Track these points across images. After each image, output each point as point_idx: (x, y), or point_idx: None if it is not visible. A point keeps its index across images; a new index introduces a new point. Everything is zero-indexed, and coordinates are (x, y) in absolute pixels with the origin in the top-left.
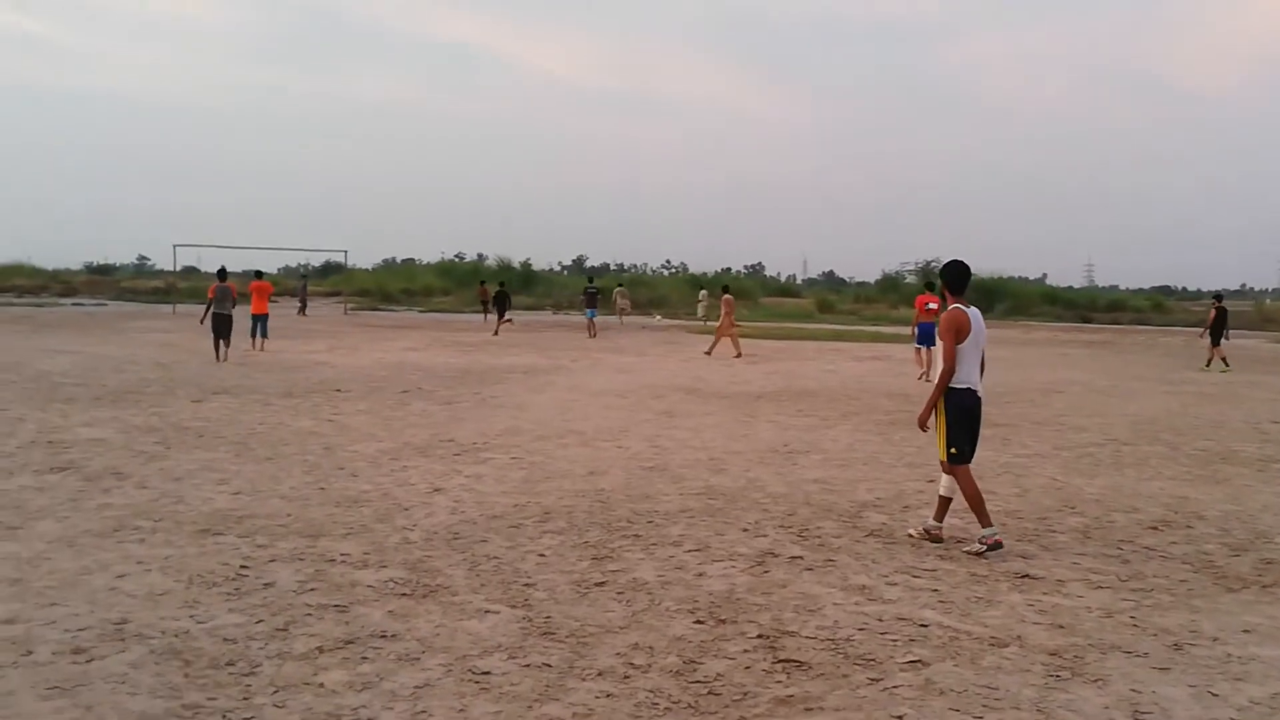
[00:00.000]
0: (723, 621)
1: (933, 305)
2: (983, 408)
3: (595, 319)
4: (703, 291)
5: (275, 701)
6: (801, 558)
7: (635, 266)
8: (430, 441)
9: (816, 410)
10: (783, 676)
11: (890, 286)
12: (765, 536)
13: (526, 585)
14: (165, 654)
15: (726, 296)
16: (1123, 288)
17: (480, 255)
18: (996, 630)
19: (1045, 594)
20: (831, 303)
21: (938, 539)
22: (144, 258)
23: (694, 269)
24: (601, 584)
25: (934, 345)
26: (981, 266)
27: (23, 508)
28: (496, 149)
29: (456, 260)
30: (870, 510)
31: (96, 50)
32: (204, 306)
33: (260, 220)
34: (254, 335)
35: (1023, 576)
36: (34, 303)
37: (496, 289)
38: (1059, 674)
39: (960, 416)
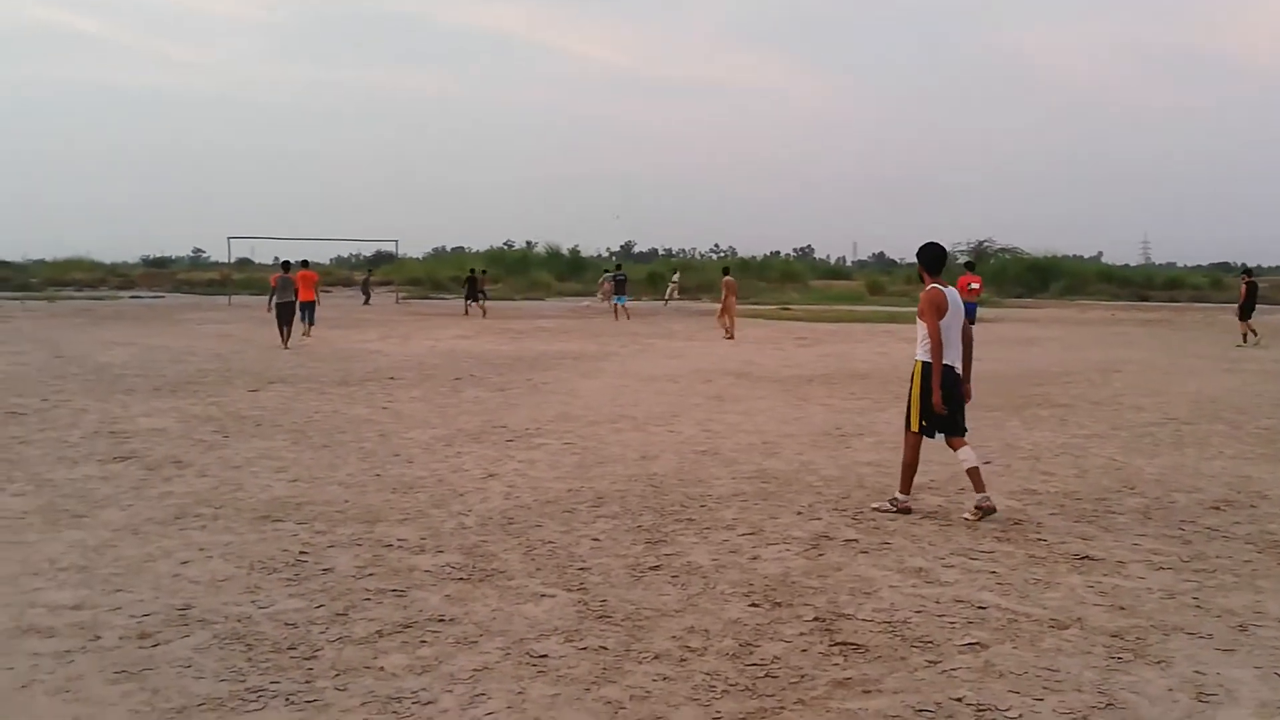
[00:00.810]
0: (778, 604)
1: (975, 285)
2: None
3: (624, 304)
4: (676, 274)
5: (337, 685)
6: (856, 541)
7: (684, 251)
8: (483, 428)
9: (869, 393)
10: (840, 659)
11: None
12: (819, 520)
13: (581, 569)
14: (228, 638)
15: (727, 279)
16: (1180, 264)
17: (529, 243)
18: (1056, 612)
19: (1105, 575)
20: (882, 284)
21: (991, 510)
22: (199, 250)
23: (743, 253)
24: (656, 568)
25: (974, 323)
26: (1036, 245)
27: (88, 496)
28: (543, 137)
29: (505, 248)
30: (925, 493)
31: (149, 48)
32: (268, 296)
33: (312, 211)
34: (303, 322)
35: (1082, 558)
36: (93, 296)
37: (468, 274)
38: (1121, 656)
39: (943, 392)
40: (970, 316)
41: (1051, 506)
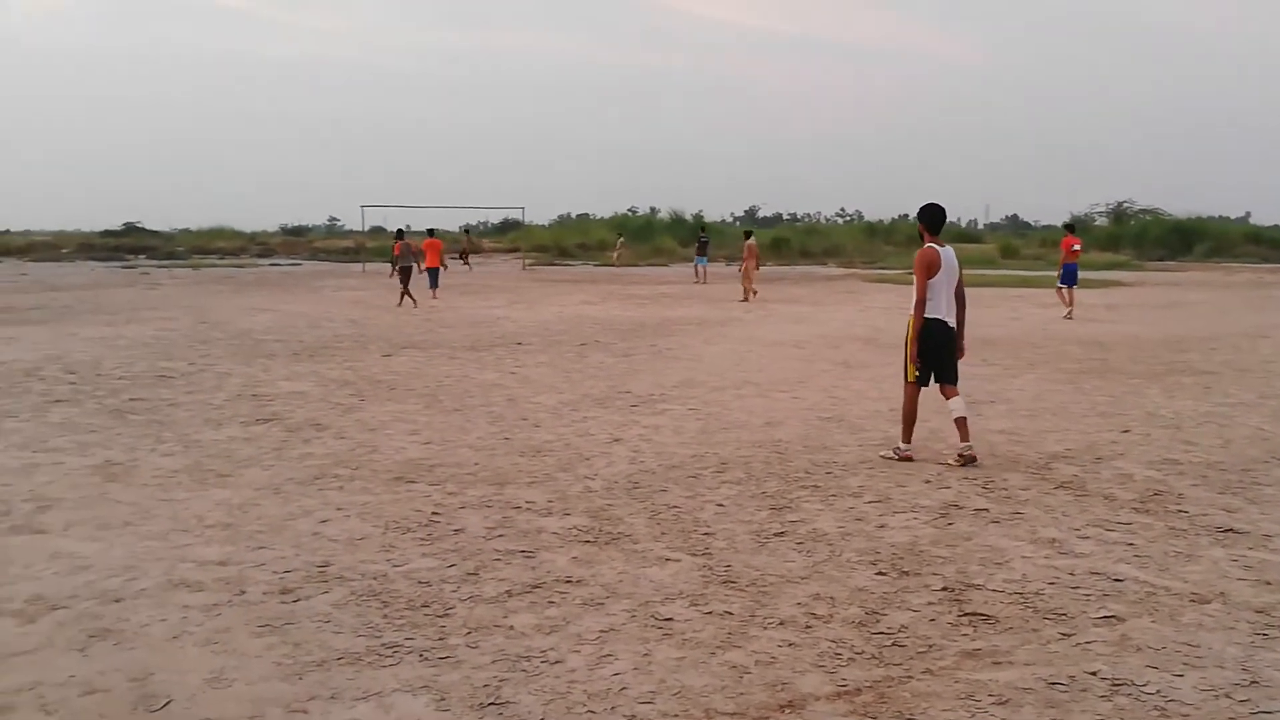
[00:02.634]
0: (906, 573)
1: (1077, 246)
2: (954, 339)
3: (705, 266)
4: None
5: (468, 642)
6: (987, 510)
7: (809, 215)
8: (608, 393)
9: (1000, 359)
10: (969, 629)
11: (1079, 230)
12: (948, 488)
13: (706, 534)
14: (365, 595)
15: (749, 243)
16: None
17: (653, 209)
18: (1197, 586)
19: (1250, 549)
20: (1015, 248)
21: (972, 459)
22: (334, 219)
23: (869, 216)
24: (781, 534)
25: (1076, 284)
26: (1178, 207)
27: (232, 456)
28: (669, 101)
29: (630, 214)
30: (1059, 462)
31: (286, 20)
32: (391, 262)
33: (443, 179)
34: (430, 288)
35: (1225, 531)
36: (235, 263)
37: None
38: (1266, 632)
39: (926, 344)
40: (1072, 279)
41: (1193, 477)
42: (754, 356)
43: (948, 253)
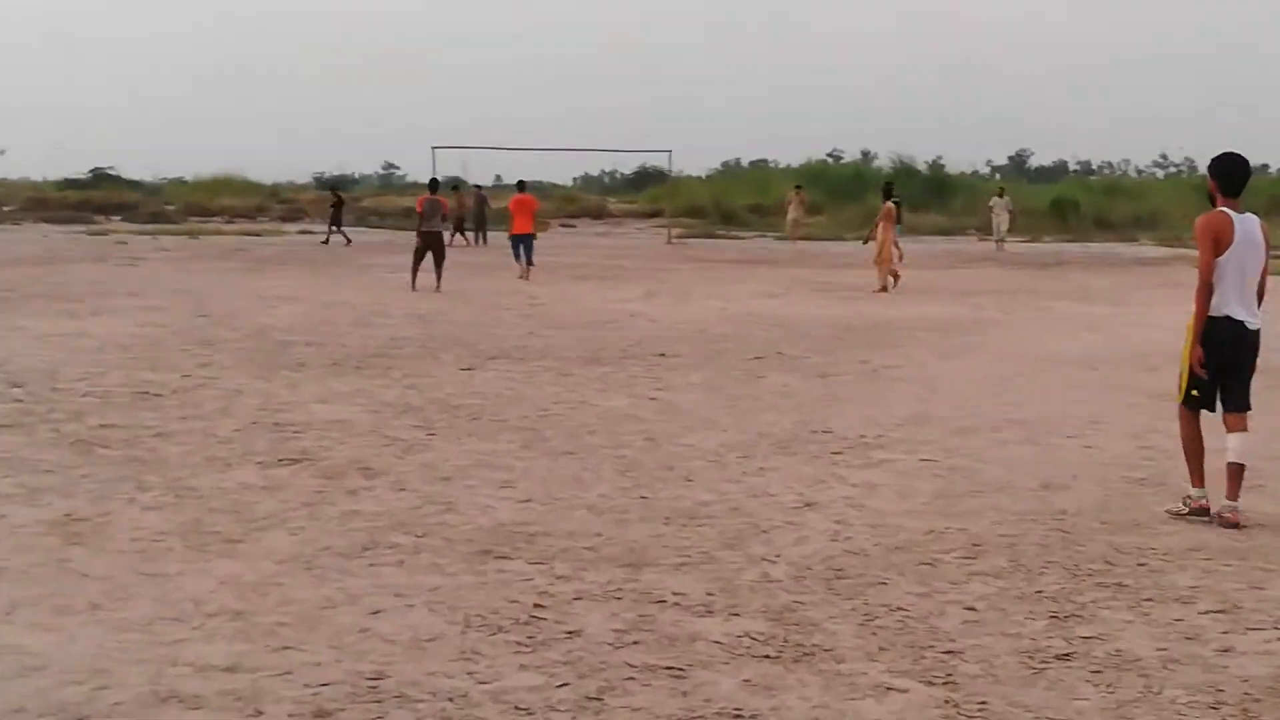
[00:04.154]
0: None
1: None
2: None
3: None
4: (1002, 195)
5: None
6: None
7: (1109, 165)
8: (797, 432)
9: None
10: None
11: None
12: None
13: (948, 653)
14: None
15: (886, 204)
16: None
17: (865, 153)
18: None
19: None
20: None
21: (1233, 524)
22: (391, 166)
23: (1204, 168)
24: (1066, 656)
25: None
26: None
27: (245, 513)
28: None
29: (830, 161)
30: None
31: None
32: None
33: (546, 116)
34: (518, 260)
35: None
36: (248, 230)
37: (334, 198)
38: None
39: (1211, 352)
40: None
41: None
42: (1020, 380)
43: (1247, 222)
